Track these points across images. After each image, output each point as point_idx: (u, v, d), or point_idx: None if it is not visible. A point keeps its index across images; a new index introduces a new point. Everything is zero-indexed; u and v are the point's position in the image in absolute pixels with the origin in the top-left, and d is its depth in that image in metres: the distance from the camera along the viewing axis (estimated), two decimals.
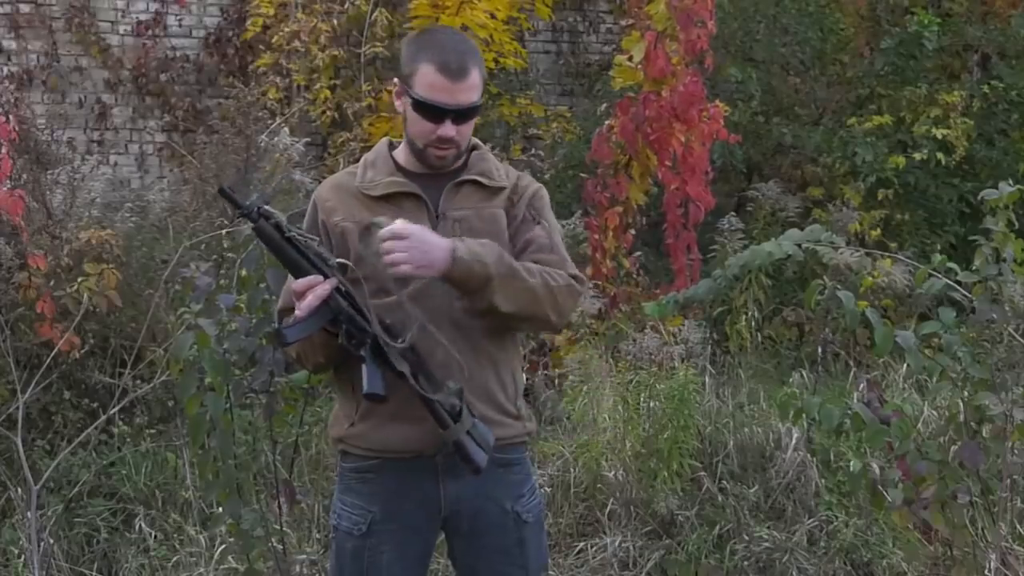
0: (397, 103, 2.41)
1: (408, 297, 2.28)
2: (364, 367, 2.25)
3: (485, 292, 2.27)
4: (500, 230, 2.39)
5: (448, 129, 2.33)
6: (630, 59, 5.85)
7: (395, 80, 2.43)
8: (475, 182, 2.41)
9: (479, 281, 2.26)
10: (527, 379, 4.89)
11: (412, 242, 2.21)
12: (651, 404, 4.47)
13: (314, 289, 2.21)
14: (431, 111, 2.33)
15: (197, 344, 3.02)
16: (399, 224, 2.23)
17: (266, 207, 2.21)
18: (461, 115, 2.34)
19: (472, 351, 2.35)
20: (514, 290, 2.29)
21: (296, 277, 2.25)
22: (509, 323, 2.37)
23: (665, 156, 5.83)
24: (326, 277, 2.22)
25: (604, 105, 6.81)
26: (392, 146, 2.48)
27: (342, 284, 2.24)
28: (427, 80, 2.32)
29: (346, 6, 7.51)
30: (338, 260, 2.29)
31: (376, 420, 2.36)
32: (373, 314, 2.25)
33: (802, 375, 5.35)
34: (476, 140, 2.50)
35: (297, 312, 2.23)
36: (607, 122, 6.04)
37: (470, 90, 2.33)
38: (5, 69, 7.76)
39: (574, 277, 2.42)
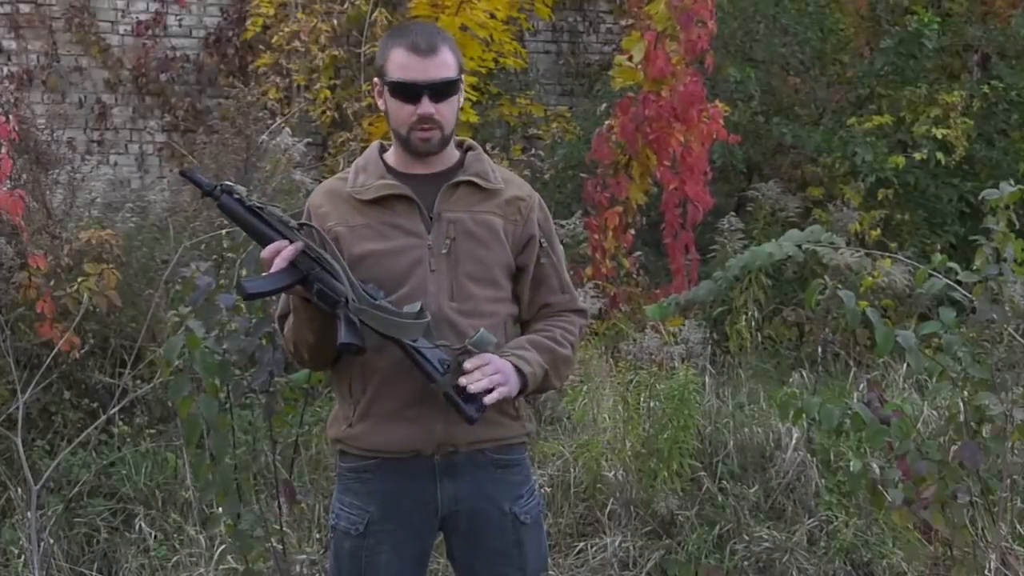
0: (379, 102, 2.42)
1: (398, 302, 2.29)
2: (340, 322, 2.24)
3: (545, 385, 2.44)
4: (495, 237, 2.39)
5: (427, 107, 2.32)
6: (630, 59, 5.85)
7: (374, 80, 2.44)
8: (471, 183, 2.40)
9: (542, 383, 2.41)
10: None
11: (493, 366, 2.27)
12: (651, 404, 4.47)
13: (281, 253, 2.22)
14: (406, 90, 2.32)
15: (187, 346, 3.02)
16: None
17: (227, 183, 2.25)
18: (437, 91, 2.32)
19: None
20: (560, 370, 2.46)
21: (263, 246, 2.26)
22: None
23: (664, 156, 5.83)
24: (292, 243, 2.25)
25: (604, 105, 6.82)
26: (383, 149, 2.48)
27: (310, 247, 2.25)
28: (398, 61, 2.33)
29: (346, 6, 7.51)
30: (302, 222, 2.30)
31: (374, 420, 2.36)
32: (346, 273, 2.25)
33: (802, 375, 5.35)
34: (471, 141, 2.50)
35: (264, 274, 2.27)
36: (607, 122, 6.05)
37: (442, 66, 2.33)
38: (5, 69, 7.77)
39: (580, 311, 2.53)
